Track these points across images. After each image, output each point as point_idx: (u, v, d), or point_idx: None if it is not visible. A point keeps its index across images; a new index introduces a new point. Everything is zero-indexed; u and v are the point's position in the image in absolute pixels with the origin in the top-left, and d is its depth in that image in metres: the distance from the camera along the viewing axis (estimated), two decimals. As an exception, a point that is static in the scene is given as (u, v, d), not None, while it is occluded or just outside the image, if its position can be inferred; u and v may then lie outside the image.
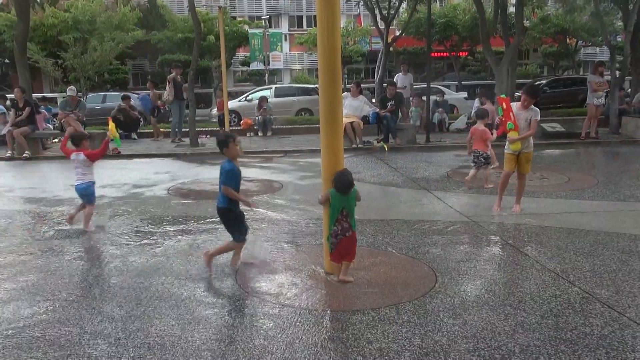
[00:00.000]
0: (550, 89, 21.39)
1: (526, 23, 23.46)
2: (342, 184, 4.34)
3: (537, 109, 6.49)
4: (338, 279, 4.46)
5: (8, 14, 24.57)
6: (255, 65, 33.25)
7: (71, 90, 13.73)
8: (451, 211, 6.82)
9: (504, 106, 6.51)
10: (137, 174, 10.01)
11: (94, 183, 6.42)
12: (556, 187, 8.28)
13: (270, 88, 21.38)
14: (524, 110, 6.46)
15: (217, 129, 15.75)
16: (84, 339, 3.56)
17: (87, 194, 6.36)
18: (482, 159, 8.14)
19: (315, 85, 18.82)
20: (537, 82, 22.50)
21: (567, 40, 30.54)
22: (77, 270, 4.89)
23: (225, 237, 5.78)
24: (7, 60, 28.64)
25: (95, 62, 21.01)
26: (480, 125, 8.19)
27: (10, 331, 3.69)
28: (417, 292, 4.24)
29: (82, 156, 6.34)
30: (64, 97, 15.28)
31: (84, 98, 18.70)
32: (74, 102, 13.49)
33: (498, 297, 4.13)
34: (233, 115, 18.35)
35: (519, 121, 6.44)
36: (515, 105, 6.55)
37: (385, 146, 12.56)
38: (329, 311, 3.95)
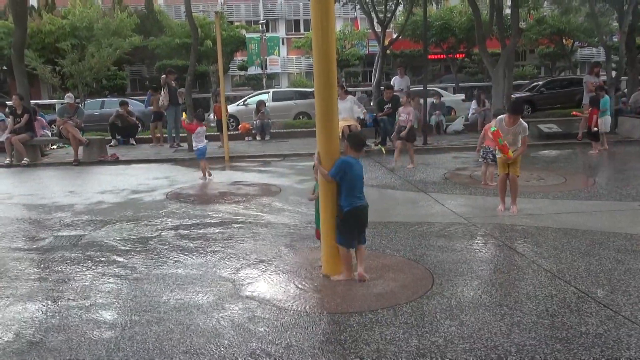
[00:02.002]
0: (547, 90, 21.47)
1: (522, 24, 23.56)
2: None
3: (525, 124, 6.60)
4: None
5: (5, 21, 24.61)
6: (253, 70, 33.31)
7: (69, 98, 13.78)
8: (448, 213, 6.85)
9: (493, 137, 6.55)
10: (136, 180, 10.04)
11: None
12: (553, 187, 8.32)
13: (268, 92, 21.43)
14: (513, 125, 6.53)
15: (217, 133, 15.77)
16: (83, 345, 3.58)
17: (205, 152, 9.86)
18: (491, 155, 8.18)
19: (313, 89, 18.88)
20: (534, 83, 22.58)
21: (564, 41, 30.59)
22: (76, 276, 4.91)
23: (224, 240, 5.81)
24: (4, 68, 28.64)
25: (93, 68, 21.02)
26: (494, 123, 8.26)
27: (9, 337, 3.72)
28: (415, 293, 4.27)
29: (204, 127, 10.00)
30: (62, 104, 15.30)
31: (82, 104, 18.72)
32: (72, 108, 13.53)
33: (494, 298, 4.16)
34: (231, 120, 18.39)
35: (507, 136, 6.54)
36: (504, 120, 6.61)
37: (383, 149, 12.60)
38: (326, 313, 3.98)
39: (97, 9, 25.61)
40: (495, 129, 6.51)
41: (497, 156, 6.82)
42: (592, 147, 11.72)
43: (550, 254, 5.15)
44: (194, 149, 10.27)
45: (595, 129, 11.52)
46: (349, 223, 4.48)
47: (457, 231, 6.02)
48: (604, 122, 11.93)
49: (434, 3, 21.93)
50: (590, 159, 11.36)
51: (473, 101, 17.04)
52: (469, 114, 16.98)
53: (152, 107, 16.06)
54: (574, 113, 13.41)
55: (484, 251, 5.45)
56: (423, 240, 5.71)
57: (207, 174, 9.80)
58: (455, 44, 28.65)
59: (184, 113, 11.47)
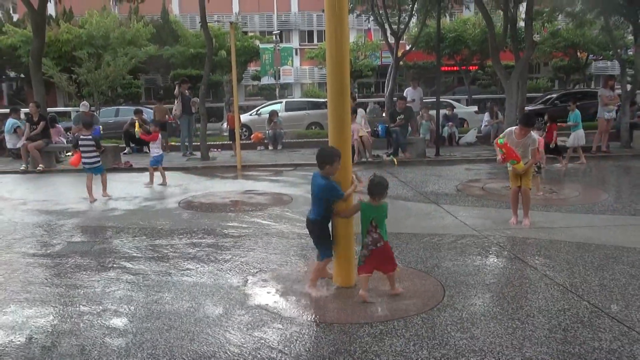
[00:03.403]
0: (560, 103, 21.32)
1: (536, 37, 23.51)
2: (380, 188, 4.35)
3: (535, 136, 6.61)
4: (392, 291, 4.44)
5: (24, 30, 25.03)
6: (266, 80, 33.50)
7: (84, 106, 13.98)
8: (460, 225, 6.82)
9: (505, 150, 6.51)
10: (149, 187, 10.11)
11: None
12: (566, 200, 8.25)
13: (281, 102, 21.54)
14: (522, 138, 6.52)
15: (229, 142, 15.86)
16: (94, 350, 3.60)
17: (162, 159, 10.52)
18: (535, 168, 8.14)
19: (326, 100, 18.92)
20: (548, 96, 22.46)
21: (578, 54, 30.46)
22: (88, 282, 4.95)
23: (235, 249, 5.83)
24: (22, 75, 29.09)
25: (108, 76, 21.32)
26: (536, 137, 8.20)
27: (21, 341, 3.75)
28: (425, 305, 4.25)
29: (160, 137, 10.52)
30: (77, 112, 15.49)
31: (97, 112, 18.94)
32: (87, 116, 13.68)
33: (506, 311, 4.12)
34: (244, 129, 18.50)
35: (518, 148, 6.52)
36: (513, 133, 6.60)
37: (395, 160, 12.59)
38: (336, 324, 3.97)
39: (114, 18, 26.00)
40: (503, 140, 6.50)
41: (508, 168, 6.80)
42: (559, 161, 11.58)
43: (563, 268, 5.10)
44: (152, 155, 10.40)
45: (554, 144, 11.27)
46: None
47: (469, 243, 5.99)
48: (577, 136, 11.83)
49: (447, 15, 21.94)
50: (606, 172, 11.27)
51: (486, 113, 17.00)
52: (481, 126, 16.95)
53: (154, 117, 16.18)
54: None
55: (495, 264, 5.41)
56: (434, 251, 5.69)
57: (164, 181, 10.35)
58: (469, 56, 28.65)
59: (136, 124, 11.64)
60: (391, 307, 4.22)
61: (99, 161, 9.07)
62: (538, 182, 8.47)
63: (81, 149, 8.96)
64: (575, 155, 12.03)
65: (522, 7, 17.18)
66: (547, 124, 11.20)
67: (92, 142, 8.96)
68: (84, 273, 5.21)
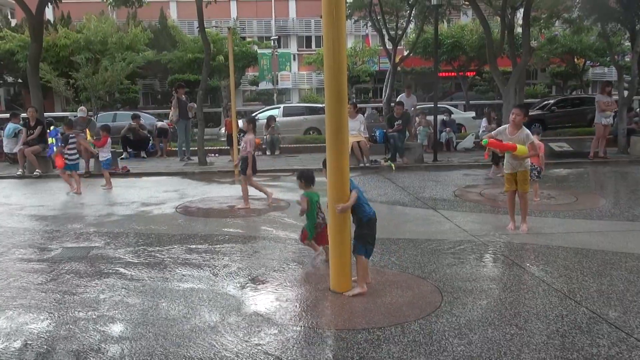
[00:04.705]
0: (558, 109, 21.39)
1: (534, 43, 23.56)
2: (310, 177, 5.35)
3: (527, 131, 6.55)
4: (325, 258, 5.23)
5: (22, 35, 25.00)
6: (264, 85, 33.53)
7: (81, 111, 13.95)
8: (458, 230, 6.80)
9: (492, 147, 6.58)
10: (146, 192, 10.09)
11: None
12: (564, 206, 8.25)
13: (279, 107, 21.53)
14: (515, 133, 6.49)
15: (227, 147, 15.84)
16: (90, 356, 3.57)
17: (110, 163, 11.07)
18: (535, 173, 8.15)
19: (324, 105, 18.88)
20: (545, 102, 22.52)
21: (575, 60, 30.55)
22: (84, 287, 4.92)
23: (232, 254, 5.81)
24: (20, 80, 29.04)
25: (106, 81, 21.27)
26: (534, 140, 8.20)
27: (16, 346, 3.72)
28: (423, 311, 4.23)
29: (109, 141, 10.89)
30: (74, 117, 15.46)
31: (95, 117, 18.92)
32: (84, 122, 13.68)
33: (504, 317, 4.11)
34: (242, 134, 18.45)
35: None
36: (506, 130, 6.58)
37: (393, 165, 12.59)
38: (333, 330, 3.95)
39: (112, 23, 25.98)
40: (487, 141, 6.47)
41: (504, 171, 6.80)
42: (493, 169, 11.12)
43: (560, 274, 5.09)
44: (101, 159, 10.90)
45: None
46: (373, 231, 4.69)
47: (467, 249, 5.97)
48: None
49: (445, 21, 22.01)
50: (603, 177, 11.29)
51: (483, 119, 17.01)
52: (479, 131, 16.95)
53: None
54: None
55: (493, 269, 5.40)
56: (432, 257, 5.67)
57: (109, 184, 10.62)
58: (466, 61, 28.71)
59: (87, 131, 12.08)
60: (388, 313, 4.20)
61: (78, 158, 10.52)
62: (537, 188, 8.47)
63: (69, 145, 10.16)
64: None
65: (520, 13, 17.25)
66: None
67: (75, 140, 10.37)
68: (80, 279, 5.18)
